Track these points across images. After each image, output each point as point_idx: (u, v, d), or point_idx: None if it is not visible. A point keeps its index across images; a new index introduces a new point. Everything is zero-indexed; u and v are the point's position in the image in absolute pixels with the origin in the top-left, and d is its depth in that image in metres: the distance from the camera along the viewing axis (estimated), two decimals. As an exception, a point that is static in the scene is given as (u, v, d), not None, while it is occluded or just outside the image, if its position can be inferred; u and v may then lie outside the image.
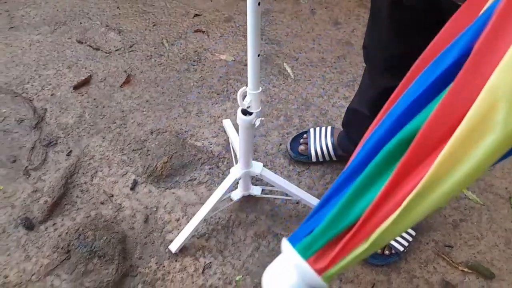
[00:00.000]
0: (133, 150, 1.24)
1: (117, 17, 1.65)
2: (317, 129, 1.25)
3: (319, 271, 0.40)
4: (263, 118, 0.94)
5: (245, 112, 0.81)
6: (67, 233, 1.03)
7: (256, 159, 1.22)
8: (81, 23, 1.61)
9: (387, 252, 1.05)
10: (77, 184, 1.16)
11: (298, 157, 1.23)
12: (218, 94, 1.41)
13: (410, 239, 1.06)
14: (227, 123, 1.29)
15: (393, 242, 1.04)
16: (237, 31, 1.63)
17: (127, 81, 1.42)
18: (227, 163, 1.23)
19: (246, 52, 1.56)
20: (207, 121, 1.33)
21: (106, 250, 0.99)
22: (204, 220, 1.04)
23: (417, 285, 1.04)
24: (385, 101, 1.06)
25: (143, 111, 1.34)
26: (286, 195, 1.12)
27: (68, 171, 1.17)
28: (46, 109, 1.32)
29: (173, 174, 1.19)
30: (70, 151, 1.22)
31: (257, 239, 1.08)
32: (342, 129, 1.19)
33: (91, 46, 1.52)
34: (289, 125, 1.34)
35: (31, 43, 1.52)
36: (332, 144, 1.20)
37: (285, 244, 0.44)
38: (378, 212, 0.36)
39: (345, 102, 1.41)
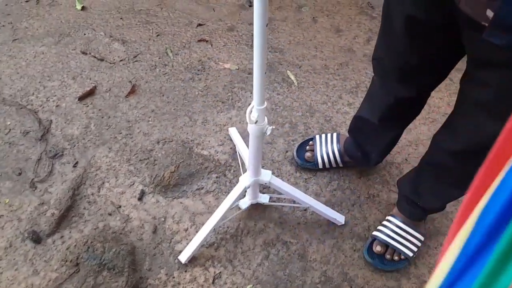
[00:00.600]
0: (139, 160, 1.23)
1: (121, 28, 1.66)
2: (323, 135, 1.25)
3: None
4: (273, 127, 0.94)
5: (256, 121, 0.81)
6: (75, 245, 1.02)
7: (262, 167, 1.21)
8: (85, 34, 1.62)
9: (396, 257, 1.05)
10: (84, 196, 1.15)
11: (304, 164, 1.23)
12: (223, 103, 1.41)
13: (419, 244, 1.06)
14: (233, 131, 1.29)
15: (402, 248, 1.04)
16: (240, 40, 1.64)
17: (132, 91, 1.42)
18: (234, 171, 1.23)
19: (249, 60, 1.57)
20: (213, 130, 1.33)
21: (116, 262, 0.98)
22: (213, 229, 1.03)
23: (428, 291, 1.03)
24: (398, 111, 1.06)
25: (148, 121, 1.34)
26: (294, 202, 1.12)
27: (74, 183, 1.17)
28: (51, 120, 1.32)
29: (180, 183, 1.19)
30: (77, 163, 1.22)
31: (266, 248, 1.08)
32: (348, 136, 1.19)
33: (95, 57, 1.53)
34: (295, 132, 1.34)
35: (36, 55, 1.52)
36: (339, 150, 1.20)
37: None
38: None
39: (349, 109, 1.42)
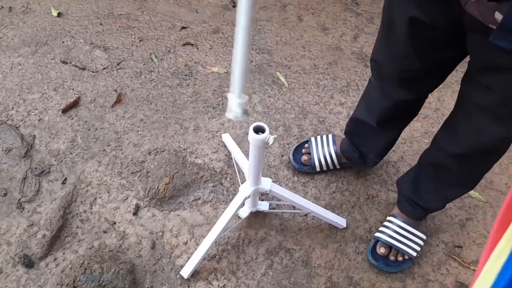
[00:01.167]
0: (132, 173, 1.19)
1: (101, 34, 1.59)
2: (318, 138, 1.23)
3: None
4: (275, 135, 0.91)
5: (257, 131, 0.78)
6: (71, 268, 0.97)
7: (260, 173, 1.19)
8: (63, 42, 1.54)
9: (400, 258, 1.05)
10: (76, 214, 1.10)
11: (301, 168, 1.21)
12: (213, 108, 1.38)
13: (422, 243, 1.06)
14: (226, 138, 1.26)
15: (405, 248, 1.04)
16: (227, 42, 1.60)
17: (118, 101, 1.37)
18: (230, 179, 1.20)
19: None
20: (206, 137, 1.29)
21: (116, 282, 0.94)
22: (215, 242, 1.00)
23: (433, 289, 1.04)
24: (397, 114, 1.05)
25: (138, 131, 1.29)
26: (294, 207, 1.10)
27: (65, 201, 1.11)
28: (34, 135, 1.25)
29: (176, 195, 1.15)
30: (65, 179, 1.16)
31: (269, 256, 1.06)
32: (343, 137, 1.18)
33: (76, 66, 1.46)
34: (289, 135, 1.32)
35: (12, 66, 1.44)
36: (335, 152, 1.19)
37: None
38: None
39: (342, 108, 1.41)
